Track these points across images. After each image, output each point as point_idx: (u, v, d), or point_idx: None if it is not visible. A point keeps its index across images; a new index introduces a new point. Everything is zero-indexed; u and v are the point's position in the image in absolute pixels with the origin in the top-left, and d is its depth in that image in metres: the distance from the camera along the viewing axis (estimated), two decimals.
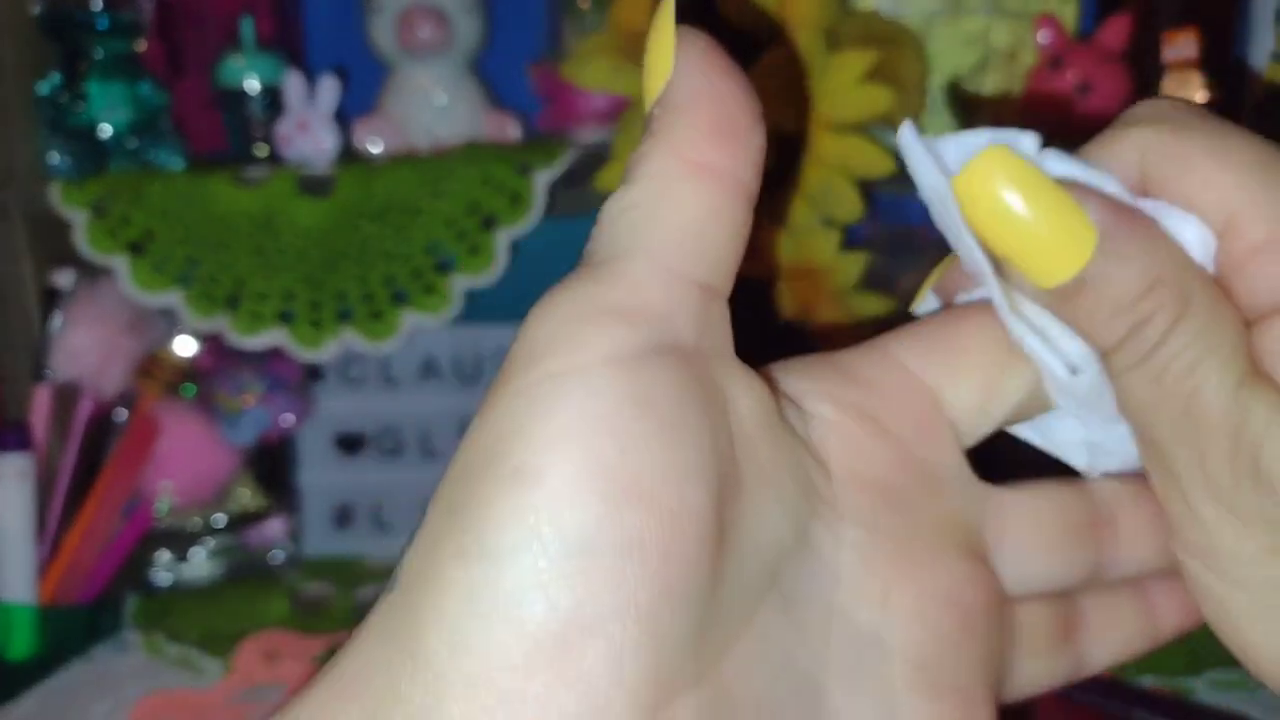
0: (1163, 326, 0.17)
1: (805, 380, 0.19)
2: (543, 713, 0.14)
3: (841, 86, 0.52)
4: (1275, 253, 0.17)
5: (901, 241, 0.68)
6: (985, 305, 0.20)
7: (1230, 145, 0.17)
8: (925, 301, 0.22)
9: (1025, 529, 0.21)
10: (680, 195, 0.16)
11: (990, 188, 0.17)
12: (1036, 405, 0.21)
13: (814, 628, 0.18)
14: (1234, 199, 0.17)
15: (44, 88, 0.60)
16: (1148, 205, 0.18)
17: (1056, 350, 0.19)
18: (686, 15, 0.53)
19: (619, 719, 0.15)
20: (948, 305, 0.22)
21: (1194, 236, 0.18)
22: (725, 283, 0.17)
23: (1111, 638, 0.22)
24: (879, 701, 0.19)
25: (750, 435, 0.17)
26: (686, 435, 0.15)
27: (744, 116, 0.17)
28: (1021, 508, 0.21)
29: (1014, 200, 0.17)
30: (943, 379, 0.20)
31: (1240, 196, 0.17)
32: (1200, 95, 0.56)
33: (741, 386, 0.17)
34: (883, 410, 0.20)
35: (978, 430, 0.21)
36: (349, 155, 0.61)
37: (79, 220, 0.56)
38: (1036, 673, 0.22)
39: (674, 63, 0.17)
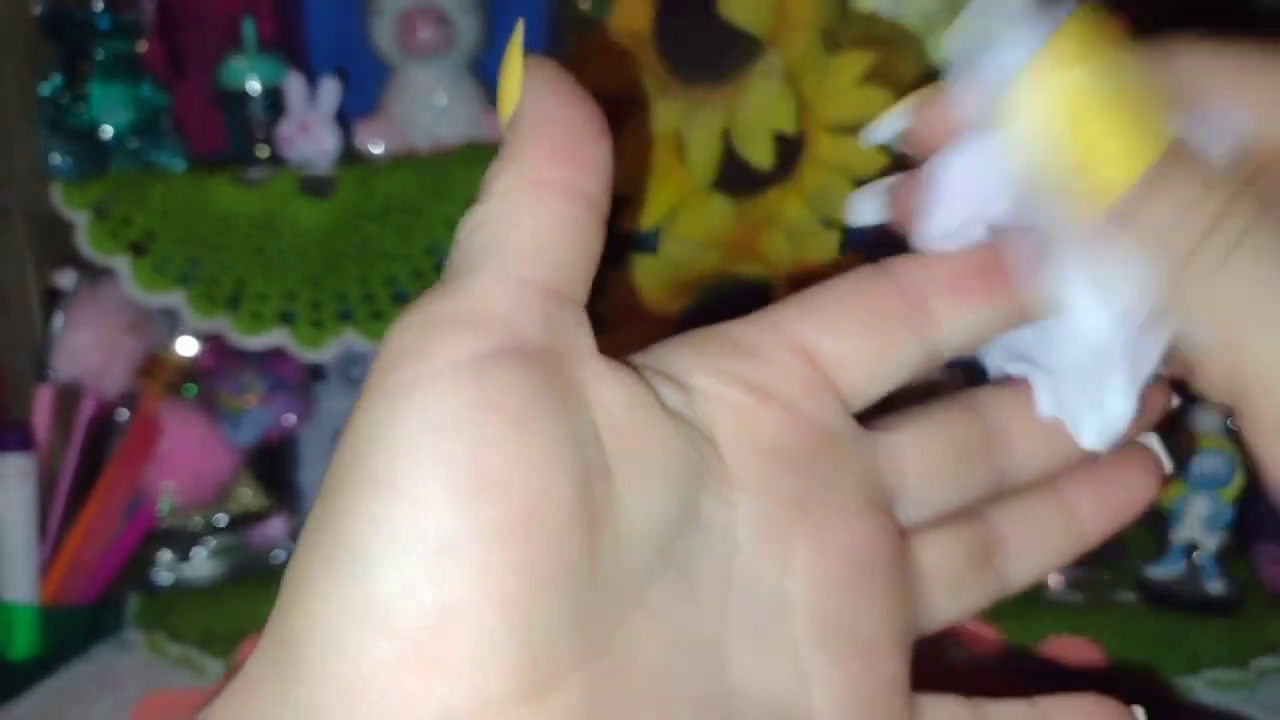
0: (1243, 221, 0.17)
1: (688, 356, 0.20)
2: (423, 707, 0.15)
3: (840, 87, 0.52)
4: None
5: (900, 242, 0.69)
6: (871, 272, 0.21)
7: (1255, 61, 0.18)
8: (889, 120, 0.21)
9: (920, 463, 0.21)
10: (523, 210, 0.17)
11: (1069, 73, 0.17)
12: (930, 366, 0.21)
13: (713, 597, 0.19)
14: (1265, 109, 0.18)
15: (45, 88, 0.60)
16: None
17: (1108, 296, 0.18)
18: (684, 12, 0.52)
19: (501, 703, 0.15)
20: (918, 158, 0.21)
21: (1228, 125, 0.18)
22: (576, 288, 0.18)
23: (1032, 548, 0.23)
24: (785, 662, 0.19)
25: (619, 422, 0.17)
26: (537, 428, 0.16)
27: (585, 136, 0.18)
28: (912, 443, 0.21)
29: (1097, 90, 0.16)
30: (829, 345, 0.20)
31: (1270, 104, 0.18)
32: None
33: (603, 379, 0.18)
34: (768, 377, 0.20)
35: (867, 393, 0.21)
36: (350, 156, 0.61)
37: (80, 221, 0.57)
38: (957, 603, 0.22)
39: (521, 88, 0.18)
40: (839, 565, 0.20)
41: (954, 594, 0.22)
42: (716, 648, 0.19)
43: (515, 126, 0.18)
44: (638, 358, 0.20)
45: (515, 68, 0.18)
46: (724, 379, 0.20)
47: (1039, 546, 0.23)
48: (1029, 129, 0.16)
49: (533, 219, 0.17)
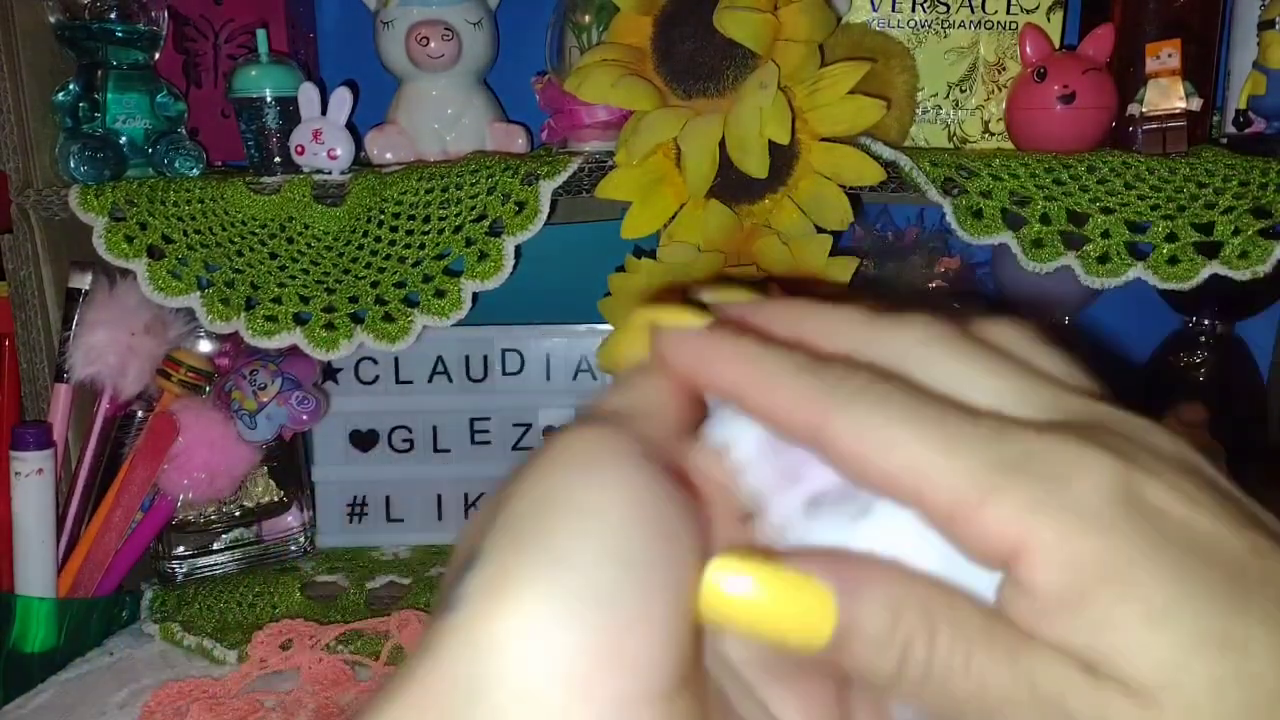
0: (924, 645, 0.18)
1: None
2: (604, 691, 0.17)
3: (833, 98, 0.53)
4: (963, 524, 0.18)
5: (890, 247, 0.69)
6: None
7: (912, 432, 0.19)
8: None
9: None
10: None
11: (728, 609, 0.19)
12: None
13: None
14: (919, 476, 0.19)
15: (62, 96, 0.60)
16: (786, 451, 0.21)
17: None
18: (682, 26, 0.52)
19: (657, 696, 0.17)
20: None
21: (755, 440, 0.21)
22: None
23: None
24: None
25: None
26: (684, 537, 0.19)
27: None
28: None
29: (752, 609, 0.19)
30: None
31: (923, 476, 0.19)
32: (1183, 103, 0.57)
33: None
34: None
35: None
36: (361, 165, 0.61)
37: (97, 225, 0.57)
38: None
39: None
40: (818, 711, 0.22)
41: None
42: None
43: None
44: None
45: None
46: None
47: None
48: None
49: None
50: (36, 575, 0.58)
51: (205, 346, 0.64)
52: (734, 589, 0.19)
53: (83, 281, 0.61)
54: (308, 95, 0.59)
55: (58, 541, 0.60)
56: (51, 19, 0.60)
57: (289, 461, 0.70)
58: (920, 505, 0.19)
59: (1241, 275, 0.55)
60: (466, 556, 0.18)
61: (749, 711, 0.22)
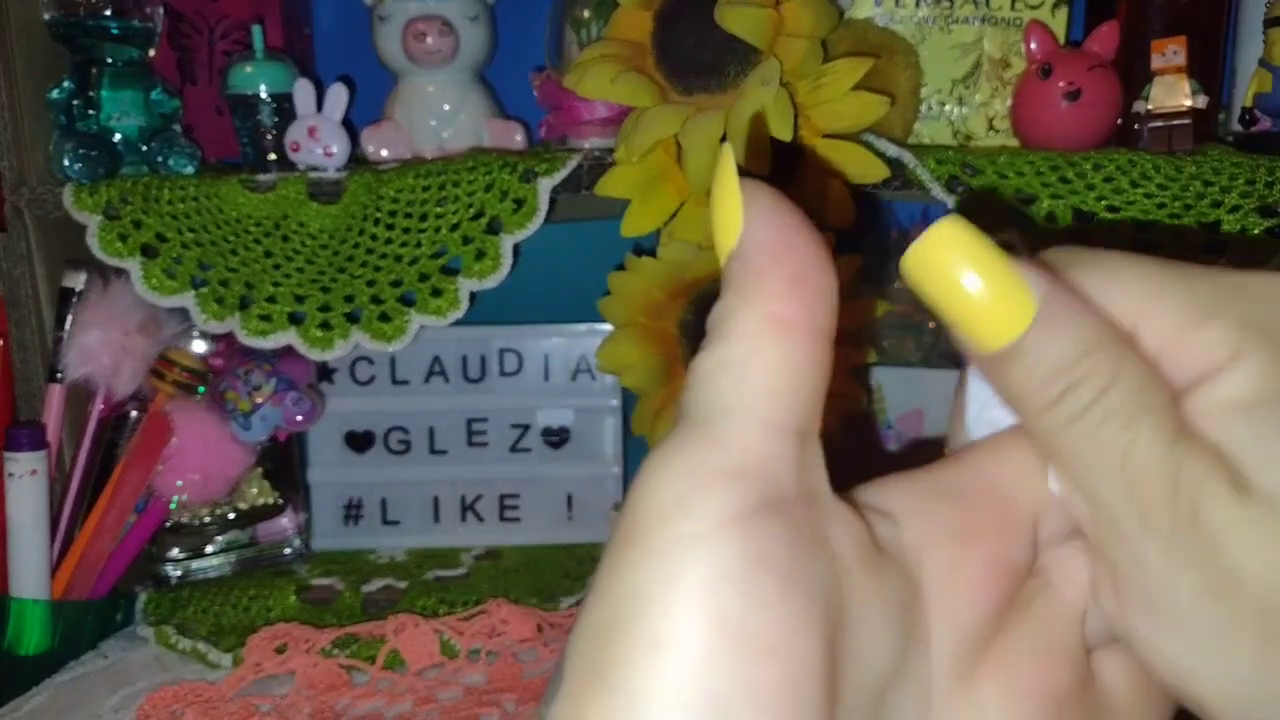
0: (1098, 386, 0.19)
1: (897, 496, 0.20)
2: None
3: (836, 94, 0.52)
4: (1177, 348, 0.19)
5: (894, 244, 0.69)
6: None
7: (1132, 267, 0.20)
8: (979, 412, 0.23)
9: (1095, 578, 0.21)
10: (768, 352, 0.17)
11: (944, 256, 0.19)
12: None
13: None
14: (1137, 308, 0.19)
15: (56, 93, 0.60)
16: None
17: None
18: (683, 21, 0.52)
19: None
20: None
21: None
22: (815, 423, 0.18)
23: None
24: None
25: (851, 571, 0.18)
26: (801, 587, 0.16)
27: (816, 267, 0.18)
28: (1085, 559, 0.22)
29: (963, 269, 0.19)
30: (1029, 489, 0.21)
31: (1142, 306, 0.19)
32: (1189, 101, 0.56)
33: (839, 524, 0.18)
34: (972, 523, 0.20)
35: (1066, 531, 0.22)
36: (357, 162, 0.61)
37: (91, 224, 0.56)
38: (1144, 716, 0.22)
39: (744, 219, 0.18)
40: (1027, 702, 0.20)
41: (1138, 712, 0.22)
42: None
43: (743, 258, 0.18)
44: (853, 493, 0.20)
45: (732, 194, 0.18)
46: (932, 522, 0.20)
47: None
48: (922, 294, 0.20)
49: (777, 362, 0.17)
50: (30, 577, 0.58)
51: (199, 346, 0.64)
52: (951, 254, 0.19)
53: (76, 281, 0.61)
54: (303, 92, 0.59)
55: (51, 543, 0.59)
56: (46, 15, 0.59)
57: (284, 463, 0.69)
58: (1142, 335, 0.19)
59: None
60: (559, 662, 0.17)
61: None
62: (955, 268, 0.19)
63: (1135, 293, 0.19)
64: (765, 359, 0.17)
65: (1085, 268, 0.20)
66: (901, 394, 0.67)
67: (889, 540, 0.19)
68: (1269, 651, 0.18)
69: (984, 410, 0.22)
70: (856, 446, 0.65)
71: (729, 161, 0.18)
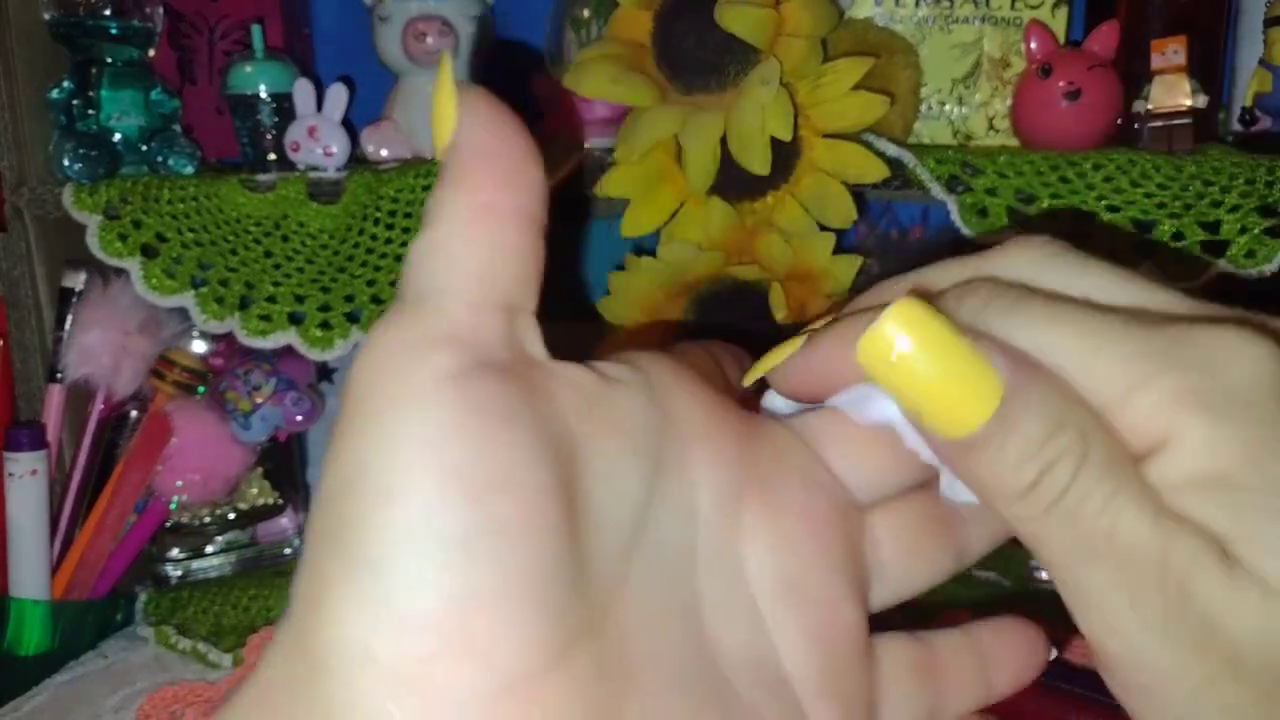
0: (1071, 467, 0.18)
1: (645, 358, 0.21)
2: (450, 690, 0.16)
3: (835, 94, 0.52)
4: (1120, 411, 0.18)
5: (894, 244, 0.69)
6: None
7: (1067, 319, 0.18)
8: (768, 399, 0.24)
9: (840, 434, 0.23)
10: (472, 235, 0.18)
11: (898, 344, 0.18)
12: None
13: (683, 566, 0.20)
14: (1072, 363, 0.18)
15: (56, 93, 0.60)
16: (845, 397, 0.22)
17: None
18: (683, 20, 0.52)
19: (524, 680, 0.16)
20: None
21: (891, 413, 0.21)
22: (527, 299, 0.19)
23: (987, 520, 0.23)
24: (749, 620, 0.20)
25: (579, 414, 0.19)
26: (520, 428, 0.17)
27: (521, 158, 0.19)
28: (829, 419, 0.23)
29: (926, 356, 0.18)
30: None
31: (1082, 365, 0.18)
32: (1189, 101, 0.56)
33: (559, 378, 0.19)
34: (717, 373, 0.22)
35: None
36: (357, 161, 0.61)
37: (91, 224, 0.56)
38: (917, 570, 0.23)
39: (457, 116, 0.19)
40: (790, 527, 0.21)
41: (914, 559, 0.23)
42: (693, 612, 0.20)
43: (456, 153, 0.19)
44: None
45: (448, 95, 0.19)
46: (680, 371, 0.21)
47: (993, 517, 0.22)
48: (883, 383, 0.19)
49: (480, 245, 0.18)
50: (30, 577, 0.58)
51: (199, 346, 0.64)
52: (903, 345, 0.18)
53: (75, 281, 0.61)
54: (303, 92, 0.59)
55: (51, 543, 0.59)
56: (46, 15, 0.59)
57: (284, 463, 0.69)
58: (1086, 397, 0.18)
59: (1248, 274, 0.54)
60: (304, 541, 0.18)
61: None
62: (914, 355, 0.18)
63: (1073, 350, 0.18)
64: (470, 242, 0.18)
65: (1022, 318, 0.19)
66: None
67: (628, 378, 0.20)
68: None
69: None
70: None
71: (447, 68, 0.19)
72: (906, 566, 0.23)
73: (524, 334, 0.19)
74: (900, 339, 0.18)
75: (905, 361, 0.18)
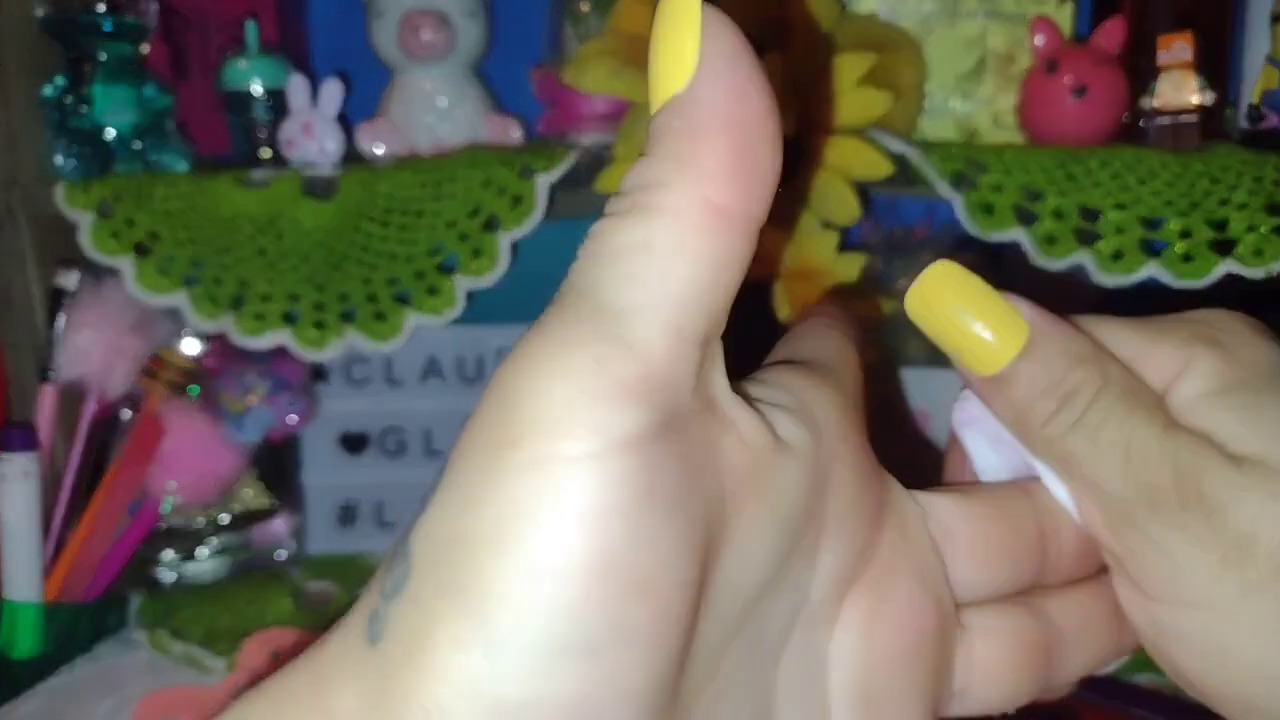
0: (1091, 392, 0.21)
1: (804, 386, 0.19)
2: None
3: (839, 90, 0.52)
4: (1142, 363, 0.22)
5: (899, 243, 0.68)
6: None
7: (1083, 322, 0.22)
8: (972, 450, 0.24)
9: (969, 534, 0.21)
10: (700, 246, 0.15)
11: (941, 294, 0.21)
12: None
13: (773, 650, 0.18)
14: (1102, 339, 0.22)
15: (49, 90, 0.59)
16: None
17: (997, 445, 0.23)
18: None
19: None
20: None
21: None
22: (724, 323, 0.16)
23: (1087, 645, 0.23)
24: None
25: (742, 481, 0.16)
26: (684, 517, 0.15)
27: (767, 144, 0.15)
28: (962, 513, 0.21)
29: (958, 304, 0.21)
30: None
31: (1105, 338, 0.22)
32: (1196, 98, 0.56)
33: (734, 433, 0.16)
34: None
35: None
36: (352, 158, 0.60)
37: (84, 222, 0.56)
38: (1004, 692, 0.22)
39: (699, 64, 0.15)
40: (887, 637, 0.19)
41: (1004, 683, 0.22)
42: (769, 704, 0.18)
43: (689, 117, 0.15)
44: (757, 386, 0.18)
45: (690, 25, 0.15)
46: (847, 424, 0.19)
47: (1095, 643, 0.23)
48: (925, 330, 0.22)
49: (705, 259, 0.15)
50: (23, 580, 0.58)
51: (192, 347, 0.64)
52: (946, 291, 0.21)
53: (68, 280, 0.60)
54: (298, 88, 0.58)
55: (44, 545, 0.59)
56: (39, 11, 0.59)
57: (277, 465, 0.69)
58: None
59: (1256, 273, 0.54)
60: (395, 555, 0.15)
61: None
62: (951, 303, 0.21)
63: (1100, 329, 0.22)
64: (694, 254, 0.15)
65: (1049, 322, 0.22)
66: (907, 394, 0.66)
67: (796, 439, 0.17)
68: None
69: (986, 457, 0.24)
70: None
71: None
72: (991, 691, 0.22)
73: (711, 371, 0.16)
74: (940, 291, 0.21)
75: (944, 309, 0.21)
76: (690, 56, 0.15)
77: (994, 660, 0.21)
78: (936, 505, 0.21)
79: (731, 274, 0.16)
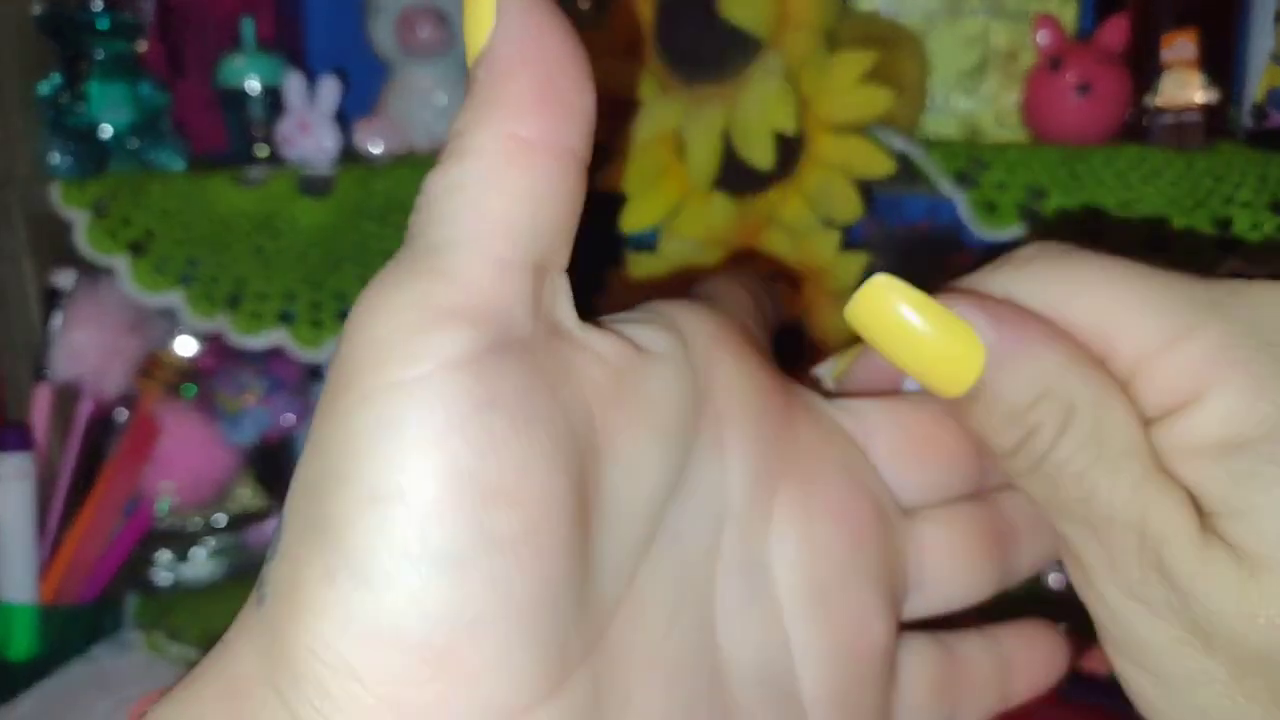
0: (1050, 436, 0.18)
1: (683, 313, 0.19)
2: (441, 718, 0.14)
3: (841, 87, 0.52)
4: (1150, 366, 0.18)
5: (901, 241, 0.68)
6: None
7: (1110, 273, 0.19)
8: (821, 368, 0.24)
9: (892, 431, 0.21)
10: (509, 177, 0.16)
11: (884, 308, 0.18)
12: None
13: (701, 564, 0.18)
14: (1107, 322, 0.19)
15: (45, 88, 0.59)
16: None
17: None
18: (684, 12, 0.52)
19: (519, 707, 0.15)
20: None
21: None
22: (561, 255, 0.17)
23: (1041, 535, 0.23)
24: (767, 630, 0.19)
25: (608, 392, 0.16)
26: (539, 426, 0.15)
27: (572, 78, 0.16)
28: (883, 411, 0.21)
29: (907, 319, 0.18)
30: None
31: (1117, 318, 0.18)
32: (1199, 96, 0.56)
33: (588, 352, 0.17)
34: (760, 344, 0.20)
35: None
36: (349, 156, 0.60)
37: (79, 220, 0.56)
38: (961, 585, 0.22)
39: (496, 16, 0.16)
40: (826, 529, 0.19)
41: (960, 573, 0.22)
42: (705, 620, 0.18)
43: (490, 64, 0.16)
44: (622, 316, 0.19)
45: None
46: (718, 336, 0.19)
47: (1048, 536, 0.22)
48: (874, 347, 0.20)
49: (518, 190, 0.16)
50: (18, 581, 0.57)
51: (188, 346, 0.64)
52: (893, 307, 0.18)
53: (63, 279, 0.60)
54: (294, 85, 0.58)
55: (39, 546, 0.59)
56: (35, 9, 0.59)
57: (274, 466, 0.69)
58: (1117, 350, 0.18)
59: (1260, 272, 0.54)
60: (280, 522, 0.16)
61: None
62: (896, 323, 0.18)
63: (1109, 302, 0.18)
64: (503, 186, 0.15)
65: (1062, 272, 0.19)
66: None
67: (660, 345, 0.18)
68: (1247, 709, 0.17)
69: None
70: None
71: None
72: (949, 581, 0.22)
73: (553, 297, 0.16)
74: (880, 307, 0.18)
75: (888, 328, 0.19)
76: (489, 12, 0.16)
77: (947, 549, 0.21)
78: (854, 405, 0.21)
79: (549, 202, 0.16)
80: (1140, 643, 0.18)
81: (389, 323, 0.15)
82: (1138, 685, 0.19)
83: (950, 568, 0.22)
